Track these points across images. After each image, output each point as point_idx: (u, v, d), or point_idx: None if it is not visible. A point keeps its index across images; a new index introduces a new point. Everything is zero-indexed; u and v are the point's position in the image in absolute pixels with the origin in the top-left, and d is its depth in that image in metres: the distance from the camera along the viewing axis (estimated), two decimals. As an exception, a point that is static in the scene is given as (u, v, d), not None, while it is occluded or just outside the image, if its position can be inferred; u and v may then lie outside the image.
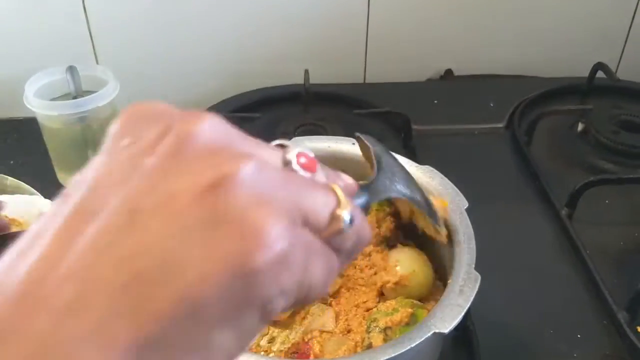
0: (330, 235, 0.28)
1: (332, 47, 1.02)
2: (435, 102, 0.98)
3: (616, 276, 0.69)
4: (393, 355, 0.44)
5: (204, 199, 0.24)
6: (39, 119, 0.84)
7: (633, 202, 0.80)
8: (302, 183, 0.27)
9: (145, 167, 0.25)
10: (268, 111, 0.93)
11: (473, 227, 0.55)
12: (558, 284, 0.69)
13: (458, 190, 0.58)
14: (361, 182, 0.41)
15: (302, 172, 0.28)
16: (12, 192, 0.80)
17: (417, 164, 0.61)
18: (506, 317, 0.65)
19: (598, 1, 1.00)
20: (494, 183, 0.83)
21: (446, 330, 0.46)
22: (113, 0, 0.94)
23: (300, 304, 0.27)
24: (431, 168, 0.61)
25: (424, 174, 0.60)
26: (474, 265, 0.51)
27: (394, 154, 0.48)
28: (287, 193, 0.25)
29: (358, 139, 0.52)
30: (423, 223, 0.56)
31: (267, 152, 0.28)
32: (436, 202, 0.54)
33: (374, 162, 0.45)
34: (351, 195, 0.34)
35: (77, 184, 0.26)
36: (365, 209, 0.40)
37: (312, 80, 0.94)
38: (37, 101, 0.81)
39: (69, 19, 0.94)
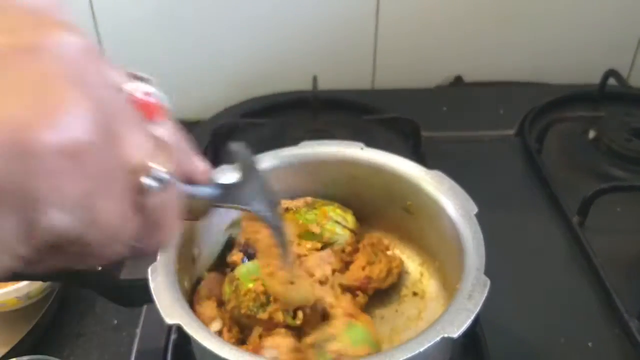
0: (133, 181, 0.24)
1: (340, 53, 1.02)
2: (445, 108, 0.98)
3: (628, 284, 0.68)
4: (402, 359, 0.43)
5: (9, 59, 0.21)
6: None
7: (645, 209, 0.79)
8: (129, 110, 0.24)
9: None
10: (277, 117, 0.94)
11: (483, 234, 0.54)
12: (569, 292, 0.69)
13: (468, 196, 0.57)
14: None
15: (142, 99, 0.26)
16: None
17: (426, 169, 0.61)
18: (516, 324, 0.65)
19: (609, 8, 1.00)
20: (504, 190, 0.82)
21: (455, 335, 0.45)
22: (121, 4, 0.94)
23: (78, 257, 0.24)
24: (440, 173, 0.60)
25: (432, 179, 0.60)
26: (483, 271, 0.50)
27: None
28: (111, 98, 0.23)
29: (231, 151, 0.48)
30: None
31: (112, 72, 0.25)
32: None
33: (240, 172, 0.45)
34: (195, 177, 0.34)
35: None
36: (208, 202, 0.39)
37: (321, 87, 0.94)
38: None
39: (76, 22, 0.94)
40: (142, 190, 0.25)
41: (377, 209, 0.64)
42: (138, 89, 0.26)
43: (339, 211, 0.63)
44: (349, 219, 0.63)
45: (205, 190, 0.38)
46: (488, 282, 0.49)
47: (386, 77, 1.04)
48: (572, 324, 0.65)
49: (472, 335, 0.62)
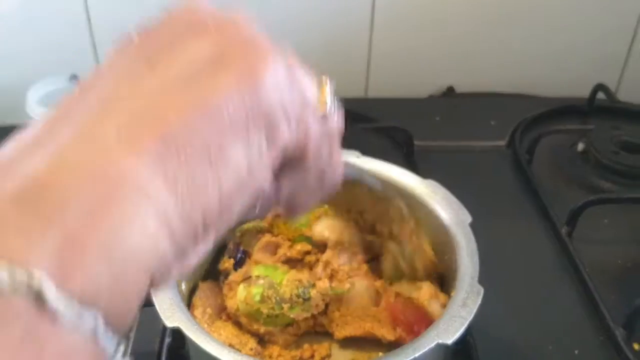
0: (319, 112, 0.32)
1: (334, 62, 1.03)
2: (437, 118, 0.99)
3: (614, 293, 0.69)
4: (397, 365, 0.45)
5: (217, 31, 0.29)
6: (43, 127, 0.84)
7: (632, 221, 0.80)
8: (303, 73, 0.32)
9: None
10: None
11: (474, 243, 0.56)
12: (557, 300, 0.70)
13: (462, 205, 0.59)
14: None
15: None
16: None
17: (420, 178, 0.62)
18: (506, 331, 0.66)
19: (599, 24, 1.02)
20: (495, 200, 0.83)
21: (449, 341, 0.46)
22: (117, 10, 0.94)
23: (300, 160, 0.32)
24: (435, 182, 0.62)
25: (427, 188, 0.61)
26: (477, 279, 0.52)
27: None
28: (289, 52, 0.31)
29: None
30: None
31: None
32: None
33: None
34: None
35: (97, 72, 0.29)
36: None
37: (315, 94, 0.95)
38: (39, 109, 0.82)
39: (71, 28, 0.95)
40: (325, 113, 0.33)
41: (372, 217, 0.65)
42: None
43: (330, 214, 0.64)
44: None
45: None
46: (482, 291, 0.50)
47: (379, 87, 1.06)
48: (559, 331, 0.66)
49: (463, 341, 0.63)
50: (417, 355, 0.45)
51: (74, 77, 0.85)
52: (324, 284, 0.56)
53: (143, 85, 0.26)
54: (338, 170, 0.36)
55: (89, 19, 0.95)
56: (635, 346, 0.64)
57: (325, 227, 0.61)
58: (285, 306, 0.54)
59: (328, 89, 0.34)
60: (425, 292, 0.56)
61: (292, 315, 0.54)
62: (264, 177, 0.29)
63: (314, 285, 0.56)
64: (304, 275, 0.57)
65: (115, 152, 0.24)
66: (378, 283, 0.59)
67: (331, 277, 0.58)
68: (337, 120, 0.34)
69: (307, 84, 0.31)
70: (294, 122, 0.29)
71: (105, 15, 0.95)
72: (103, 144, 0.24)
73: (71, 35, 0.96)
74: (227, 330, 0.55)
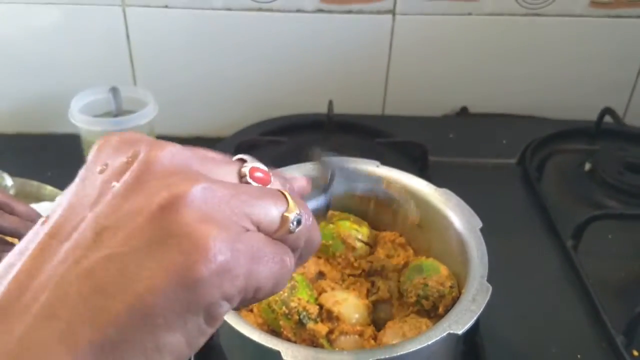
0: (282, 235, 0.31)
1: (354, 81, 1.07)
2: (451, 136, 1.03)
3: (615, 303, 0.73)
4: (410, 350, 0.49)
5: (155, 218, 0.27)
6: (82, 134, 0.89)
7: (634, 237, 0.84)
8: (253, 193, 0.31)
9: (113, 190, 0.29)
10: (293, 136, 0.99)
11: (485, 248, 0.59)
12: (561, 308, 0.74)
13: (473, 212, 0.62)
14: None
15: (255, 183, 0.32)
16: (52, 200, 0.86)
17: (435, 187, 0.67)
18: (512, 335, 0.69)
19: (608, 50, 1.05)
20: (504, 214, 0.87)
21: (460, 332, 0.50)
22: (154, 30, 1.00)
23: (251, 302, 0.31)
24: (448, 190, 0.66)
25: (441, 196, 0.65)
26: (486, 278, 0.55)
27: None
28: (235, 206, 0.29)
29: (314, 156, 0.55)
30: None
31: (223, 171, 0.32)
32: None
33: (327, 173, 0.48)
34: (303, 194, 0.39)
35: (56, 208, 0.30)
36: (326, 207, 0.43)
37: (335, 110, 1.00)
38: (81, 117, 0.87)
39: (112, 43, 1.00)
40: (290, 233, 0.32)
41: (389, 223, 0.70)
42: (246, 173, 0.32)
43: (355, 225, 0.67)
44: (364, 232, 0.67)
45: (320, 200, 0.42)
46: (490, 289, 0.54)
47: (396, 105, 1.09)
48: (563, 337, 0.70)
49: (473, 343, 0.67)
50: (429, 343, 0.49)
51: (114, 90, 0.90)
52: (322, 329, 0.57)
53: (88, 260, 0.27)
54: (316, 243, 0.35)
55: (127, 36, 1.00)
56: (635, 353, 0.67)
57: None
58: (280, 311, 0.57)
59: (289, 198, 0.32)
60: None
61: (280, 323, 0.57)
62: (204, 340, 0.29)
63: (316, 321, 0.57)
64: (315, 308, 0.58)
65: (55, 355, 0.25)
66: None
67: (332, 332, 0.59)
68: (308, 226, 0.33)
69: (261, 243, 0.30)
70: (241, 289, 0.29)
71: (143, 32, 1.00)
72: (45, 343, 0.25)
73: (111, 50, 1.01)
74: (249, 318, 0.59)
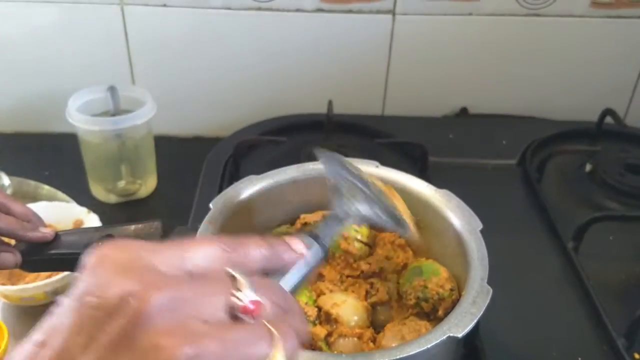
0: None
1: (354, 81, 1.06)
2: (451, 136, 1.03)
3: (617, 305, 0.72)
4: (410, 353, 0.48)
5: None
6: (79, 133, 0.88)
7: (635, 238, 0.83)
8: (241, 336, 0.30)
9: (100, 344, 0.29)
10: (293, 136, 0.98)
11: (485, 251, 0.59)
12: (562, 310, 0.73)
13: (473, 213, 0.62)
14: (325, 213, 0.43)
15: (245, 317, 0.32)
16: (49, 200, 0.85)
17: (435, 188, 0.66)
18: (513, 338, 0.69)
19: (609, 50, 1.05)
20: (505, 215, 0.86)
21: (460, 335, 0.49)
22: (152, 27, 0.99)
23: None
24: (448, 192, 0.65)
25: (441, 197, 0.65)
26: (486, 280, 0.55)
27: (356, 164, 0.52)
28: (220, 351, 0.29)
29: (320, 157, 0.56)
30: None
31: (210, 310, 0.31)
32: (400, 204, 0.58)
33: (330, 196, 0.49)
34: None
35: (51, 332, 0.30)
36: (324, 256, 0.42)
37: (335, 111, 0.99)
38: (79, 116, 0.86)
39: (110, 43, 1.00)
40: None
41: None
42: (237, 307, 0.32)
43: (354, 225, 0.66)
44: (364, 232, 0.66)
45: (314, 257, 0.41)
46: (490, 291, 0.53)
47: (396, 105, 1.09)
48: (564, 339, 0.69)
49: (473, 346, 0.66)
50: (429, 346, 0.49)
51: (111, 89, 0.90)
52: (321, 332, 0.57)
53: None
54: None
55: (126, 34, 0.99)
56: (636, 356, 0.67)
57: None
58: None
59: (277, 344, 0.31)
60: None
61: None
62: None
63: (315, 324, 0.57)
64: (313, 310, 0.58)
65: None
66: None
67: (331, 334, 0.58)
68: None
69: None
70: None
71: (141, 31, 0.99)
72: None
73: (109, 49, 1.00)
74: None
